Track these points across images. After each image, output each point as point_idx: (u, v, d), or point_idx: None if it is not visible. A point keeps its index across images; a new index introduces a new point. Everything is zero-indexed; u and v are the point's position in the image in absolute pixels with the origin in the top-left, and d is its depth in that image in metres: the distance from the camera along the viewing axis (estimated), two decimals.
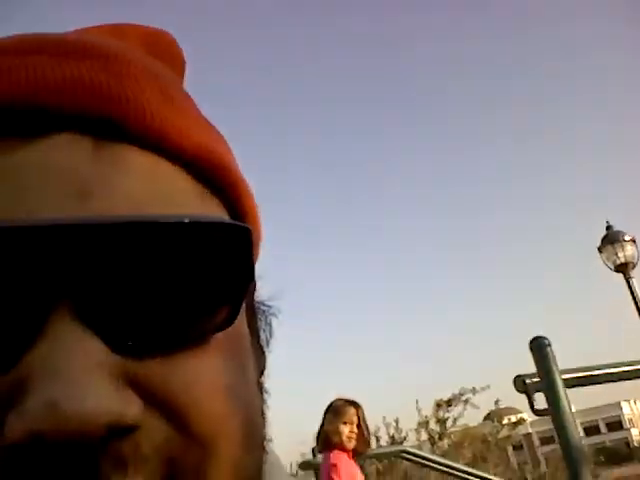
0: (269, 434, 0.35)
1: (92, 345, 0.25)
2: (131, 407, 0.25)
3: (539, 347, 1.58)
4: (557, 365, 1.57)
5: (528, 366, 1.63)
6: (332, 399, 3.38)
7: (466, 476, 4.24)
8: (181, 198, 0.30)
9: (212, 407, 0.27)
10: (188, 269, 0.28)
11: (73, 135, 0.29)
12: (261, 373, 0.38)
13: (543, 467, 11.07)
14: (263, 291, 0.40)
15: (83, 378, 0.24)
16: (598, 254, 9.20)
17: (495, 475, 4.86)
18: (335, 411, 3.26)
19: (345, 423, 3.21)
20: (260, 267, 0.35)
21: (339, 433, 3.18)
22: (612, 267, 8.97)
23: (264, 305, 0.41)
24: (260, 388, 0.36)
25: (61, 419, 0.23)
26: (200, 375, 0.28)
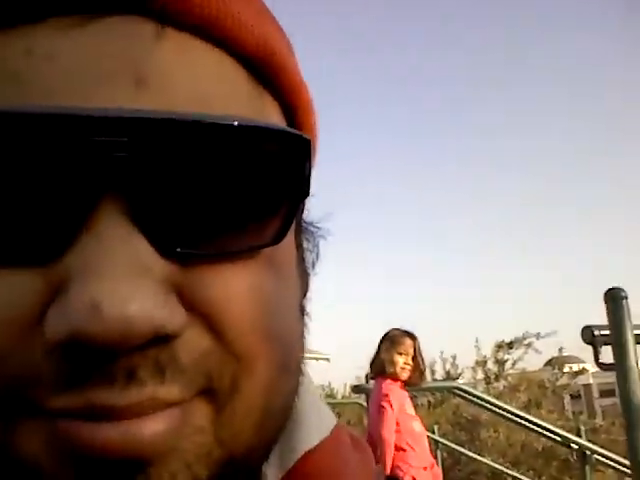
0: (306, 357, 0.35)
1: (140, 246, 0.24)
2: (175, 316, 0.24)
3: (614, 298, 1.48)
4: (631, 320, 1.47)
5: (600, 319, 1.56)
6: (392, 327, 3.40)
7: (517, 419, 4.24)
8: (242, 100, 0.29)
9: (254, 324, 0.27)
10: (242, 177, 0.26)
11: (134, 19, 0.26)
12: (304, 295, 0.37)
13: (599, 419, 10.92)
14: (313, 211, 0.39)
15: (129, 280, 0.23)
16: None
17: (547, 421, 4.83)
18: (392, 340, 3.28)
19: (401, 354, 3.24)
20: (313, 185, 0.34)
21: (394, 363, 3.21)
22: None
23: (313, 226, 0.39)
24: (302, 310, 0.35)
25: (104, 321, 0.22)
26: (244, 291, 0.27)
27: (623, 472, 4.06)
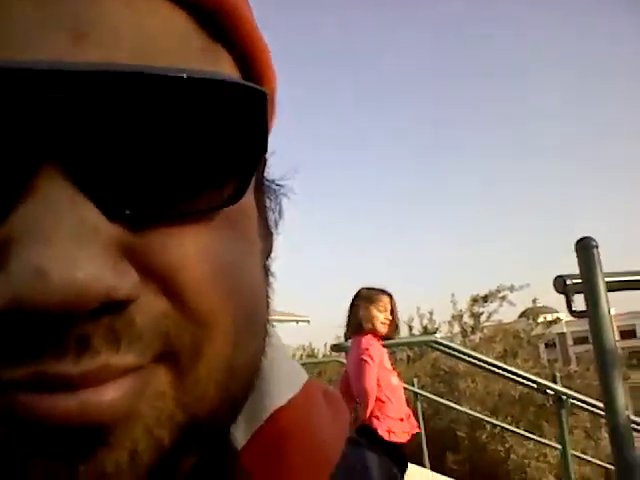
0: (272, 317, 0.34)
1: (86, 209, 0.23)
2: (126, 280, 0.24)
3: (585, 248, 1.50)
4: (601, 268, 1.50)
5: (572, 269, 1.58)
6: (368, 285, 3.44)
7: (493, 369, 4.35)
8: (193, 53, 0.27)
9: (213, 285, 0.26)
10: (193, 133, 0.25)
11: None
12: (268, 255, 0.36)
13: (574, 366, 11.27)
14: (275, 169, 0.38)
15: (75, 244, 0.22)
16: None
17: (523, 370, 4.96)
18: (369, 298, 3.34)
19: (380, 310, 3.30)
20: (273, 141, 0.33)
21: (374, 319, 3.28)
22: None
23: (275, 184, 0.38)
24: (266, 271, 0.35)
25: (50, 288, 0.21)
26: (201, 252, 0.26)
27: (597, 414, 4.22)
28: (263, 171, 0.37)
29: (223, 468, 0.32)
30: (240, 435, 0.34)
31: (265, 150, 0.29)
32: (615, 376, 1.47)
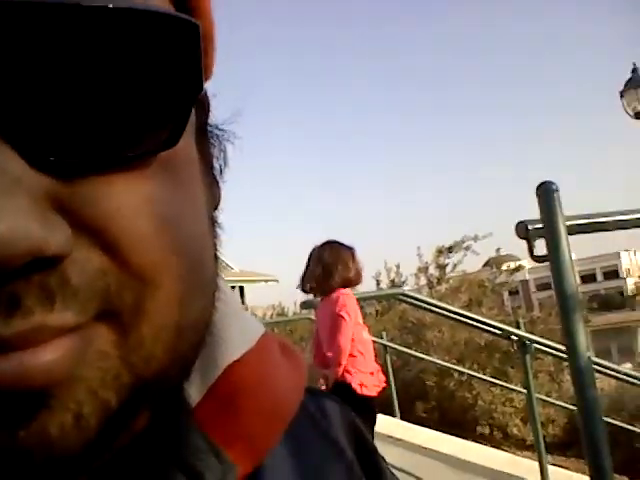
0: (221, 271, 0.34)
1: (6, 158, 0.22)
2: (56, 233, 0.22)
3: (545, 192, 1.49)
4: (562, 211, 1.49)
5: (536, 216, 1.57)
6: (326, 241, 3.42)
7: (459, 317, 4.43)
8: None
9: (153, 237, 0.25)
10: (121, 71, 0.23)
11: None
12: (215, 206, 0.35)
13: (537, 311, 11.59)
14: (218, 112, 0.37)
15: None
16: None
17: (488, 318, 5.07)
18: (337, 252, 3.32)
19: (348, 263, 3.29)
20: (215, 83, 0.32)
21: (344, 272, 3.27)
22: (632, 114, 8.52)
23: (218, 129, 0.37)
24: (212, 221, 0.33)
25: None
26: (139, 202, 0.25)
27: (560, 357, 4.34)
28: (206, 115, 0.36)
29: (176, 427, 0.32)
30: (194, 392, 0.33)
31: (200, 89, 0.27)
32: (576, 319, 1.48)
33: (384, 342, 6.28)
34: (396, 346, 6.94)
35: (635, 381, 4.62)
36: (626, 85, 8.57)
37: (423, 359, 7.18)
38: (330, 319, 3.23)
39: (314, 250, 3.36)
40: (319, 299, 3.46)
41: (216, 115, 0.37)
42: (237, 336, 0.36)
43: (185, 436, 0.31)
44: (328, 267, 3.26)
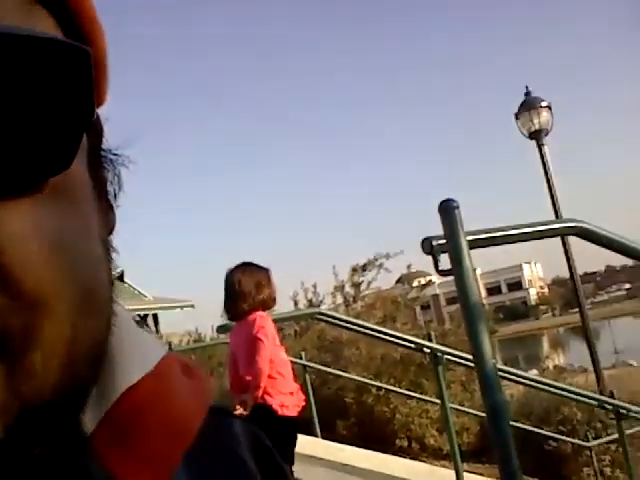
0: (116, 295, 0.33)
1: None
2: None
3: (447, 209, 1.57)
4: (463, 227, 1.58)
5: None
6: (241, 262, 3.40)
7: (375, 333, 4.52)
8: (6, 6, 0.25)
9: (43, 264, 0.25)
10: (8, 96, 0.23)
11: None
12: (110, 230, 0.35)
13: (448, 324, 12.02)
14: (112, 137, 0.37)
15: None
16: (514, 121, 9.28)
17: (402, 332, 5.21)
18: (252, 274, 3.30)
19: (264, 285, 3.28)
20: (109, 109, 0.33)
21: (259, 294, 3.25)
22: (526, 134, 9.10)
23: (112, 153, 0.37)
24: (107, 247, 0.33)
25: None
26: (30, 227, 0.24)
27: (470, 367, 4.53)
28: (99, 140, 0.36)
29: (72, 456, 0.31)
30: (90, 420, 0.33)
31: (92, 114, 0.27)
32: (481, 328, 1.56)
33: (303, 362, 6.30)
34: (315, 365, 6.96)
35: (540, 386, 4.89)
36: (520, 107, 9.19)
37: (341, 376, 7.24)
38: (247, 342, 3.20)
39: (229, 273, 3.33)
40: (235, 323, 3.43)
41: (110, 140, 0.37)
42: (135, 360, 0.36)
43: (80, 466, 0.31)
44: (243, 290, 3.24)
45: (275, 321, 3.46)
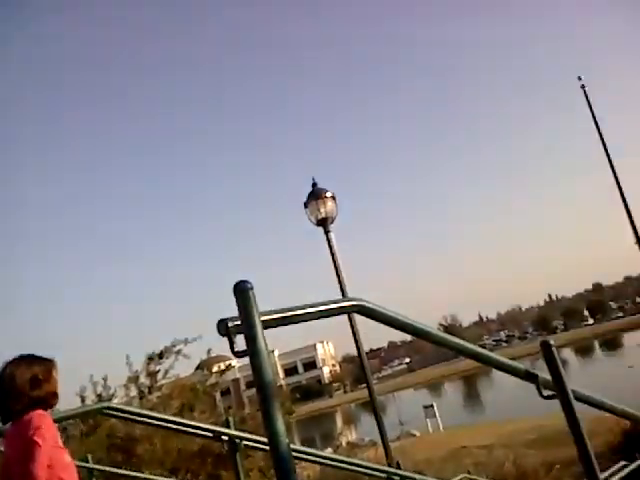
0: None
1: None
2: None
3: (241, 290, 1.60)
4: (257, 307, 1.61)
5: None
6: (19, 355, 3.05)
7: (171, 425, 4.30)
8: None
9: None
10: None
11: None
12: None
13: (247, 409, 11.87)
14: None
15: None
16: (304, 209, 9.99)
17: (200, 421, 5.03)
18: (27, 368, 2.96)
19: (46, 380, 2.96)
20: None
21: (40, 389, 2.91)
22: (314, 221, 9.85)
23: None
24: None
25: None
26: None
27: (267, 450, 4.49)
28: None
29: None
30: None
31: None
32: (274, 407, 1.57)
33: (90, 466, 5.70)
34: (103, 467, 6.34)
35: (334, 463, 5.02)
36: (308, 197, 9.96)
37: (136, 477, 6.68)
38: (22, 446, 2.83)
39: (5, 368, 2.95)
40: (8, 425, 3.03)
41: None
42: None
43: None
44: (16, 386, 2.89)
45: (57, 420, 3.11)
